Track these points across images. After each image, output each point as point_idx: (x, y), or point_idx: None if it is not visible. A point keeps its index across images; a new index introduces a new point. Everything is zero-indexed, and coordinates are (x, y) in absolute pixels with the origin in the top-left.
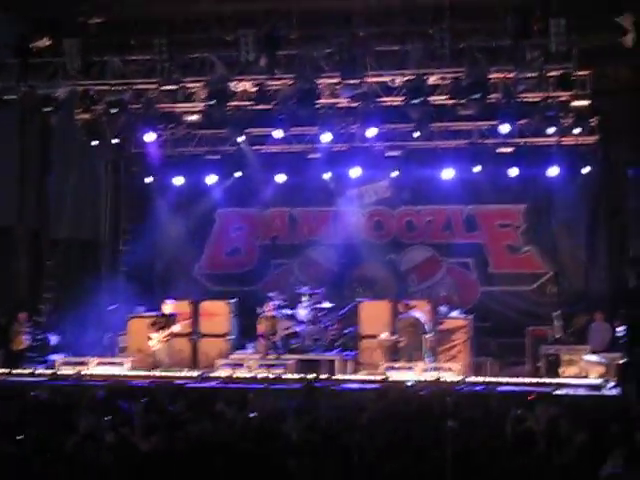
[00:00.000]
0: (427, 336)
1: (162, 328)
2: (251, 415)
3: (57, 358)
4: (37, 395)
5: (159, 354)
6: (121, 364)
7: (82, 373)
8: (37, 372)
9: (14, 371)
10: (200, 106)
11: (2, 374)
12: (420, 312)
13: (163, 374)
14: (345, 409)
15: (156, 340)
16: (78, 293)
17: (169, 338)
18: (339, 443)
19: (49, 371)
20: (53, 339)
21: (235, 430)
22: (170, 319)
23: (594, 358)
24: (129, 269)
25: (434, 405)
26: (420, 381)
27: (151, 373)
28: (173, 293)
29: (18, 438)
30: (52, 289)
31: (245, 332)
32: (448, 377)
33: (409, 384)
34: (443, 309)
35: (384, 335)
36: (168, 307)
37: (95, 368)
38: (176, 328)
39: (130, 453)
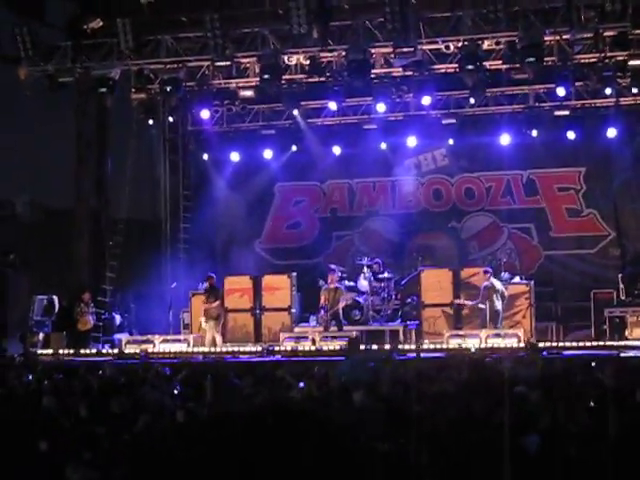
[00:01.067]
0: (498, 303)
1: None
2: (312, 386)
3: (122, 337)
4: (103, 374)
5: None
6: (185, 341)
7: (148, 351)
8: (103, 352)
9: (81, 351)
10: (254, 81)
11: (69, 355)
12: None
13: (227, 350)
14: (409, 379)
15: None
16: (140, 272)
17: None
18: (404, 414)
19: (115, 350)
20: (117, 318)
21: (298, 399)
22: (212, 294)
23: None
24: (189, 246)
25: (499, 372)
26: (484, 348)
27: (215, 349)
28: (234, 268)
29: (85, 416)
30: (114, 269)
31: (307, 305)
32: (512, 343)
33: (473, 351)
34: (505, 275)
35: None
36: (212, 279)
37: (160, 346)
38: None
39: (197, 428)
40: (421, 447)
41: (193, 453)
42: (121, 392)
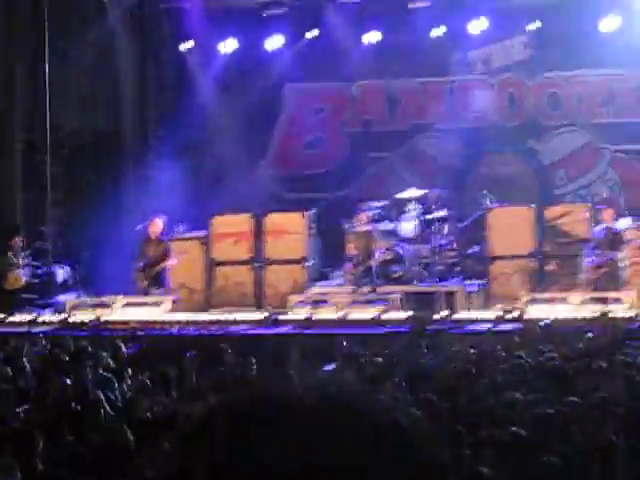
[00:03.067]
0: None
1: (155, 263)
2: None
3: (68, 299)
4: (39, 352)
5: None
6: (158, 304)
7: (103, 319)
8: (41, 319)
9: (9, 318)
10: None
11: None
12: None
13: (217, 318)
14: (466, 359)
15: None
16: (94, 208)
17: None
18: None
19: (57, 317)
20: (61, 273)
21: (318, 389)
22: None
23: None
24: (163, 172)
25: (596, 352)
26: (564, 319)
27: (201, 317)
28: (228, 203)
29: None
30: (57, 203)
31: (329, 256)
32: (617, 311)
33: (543, 324)
34: None
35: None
36: (155, 225)
37: (122, 311)
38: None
39: (172, 427)
40: (484, 456)
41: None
42: (65, 378)
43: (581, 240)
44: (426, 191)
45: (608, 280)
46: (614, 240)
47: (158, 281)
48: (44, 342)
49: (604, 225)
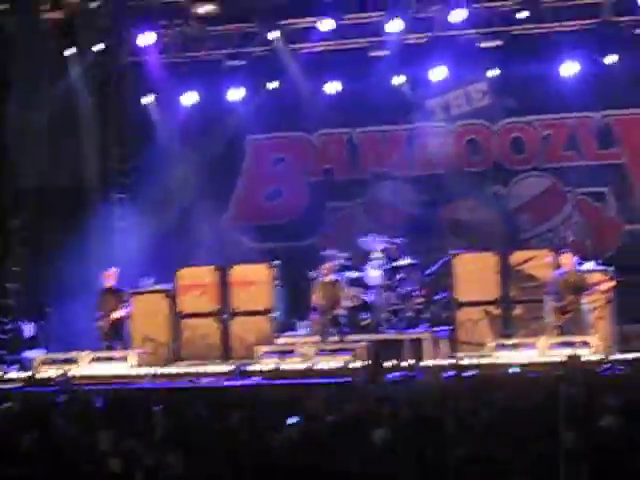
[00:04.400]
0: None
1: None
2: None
3: (34, 355)
4: (8, 409)
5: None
6: (124, 359)
7: (71, 374)
8: (7, 376)
9: None
10: None
11: None
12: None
13: (184, 371)
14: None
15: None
16: (59, 263)
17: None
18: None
19: (24, 374)
20: (27, 329)
21: (288, 443)
22: (115, 297)
23: None
24: (128, 225)
25: (561, 398)
26: (536, 363)
27: (167, 370)
28: (194, 256)
29: None
30: (21, 259)
31: (295, 306)
32: (584, 355)
33: (511, 371)
34: None
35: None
36: (110, 278)
37: (89, 367)
38: (116, 314)
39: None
40: None
41: None
42: (34, 434)
43: (545, 285)
44: (390, 239)
45: (573, 324)
46: (575, 284)
47: (117, 333)
48: (12, 398)
49: (561, 270)
